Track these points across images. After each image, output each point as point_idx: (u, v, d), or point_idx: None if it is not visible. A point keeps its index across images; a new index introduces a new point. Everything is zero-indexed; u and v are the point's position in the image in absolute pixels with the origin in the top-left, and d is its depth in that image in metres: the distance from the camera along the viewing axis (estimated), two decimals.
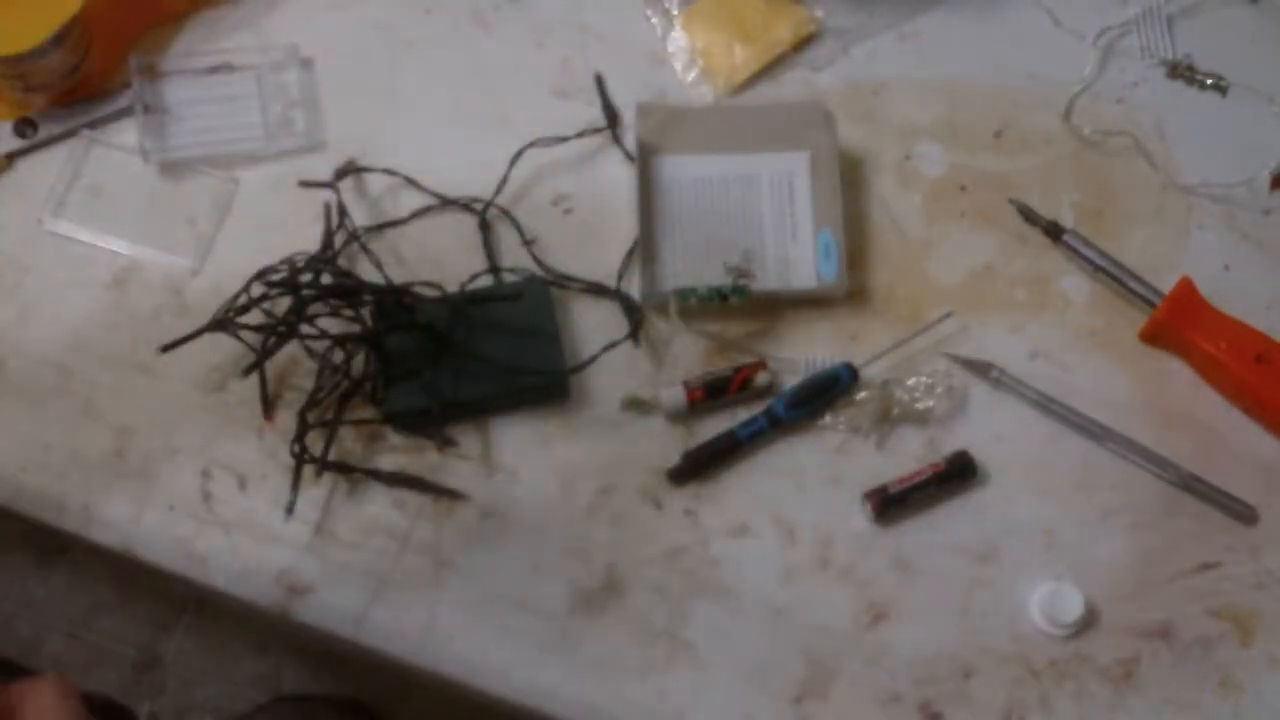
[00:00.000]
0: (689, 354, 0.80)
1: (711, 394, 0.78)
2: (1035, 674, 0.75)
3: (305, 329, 0.76)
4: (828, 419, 0.79)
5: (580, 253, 0.82)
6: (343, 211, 0.82)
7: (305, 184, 0.83)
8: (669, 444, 0.78)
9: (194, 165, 0.84)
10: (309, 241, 0.81)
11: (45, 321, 0.80)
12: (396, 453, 0.78)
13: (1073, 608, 0.74)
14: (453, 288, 0.81)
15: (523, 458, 0.78)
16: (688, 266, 0.81)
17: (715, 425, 0.79)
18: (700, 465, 0.77)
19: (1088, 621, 0.75)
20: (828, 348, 0.81)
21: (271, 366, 0.78)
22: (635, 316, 0.80)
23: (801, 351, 0.80)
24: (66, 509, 0.76)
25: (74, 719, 0.58)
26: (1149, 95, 0.88)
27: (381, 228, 0.83)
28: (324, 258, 0.80)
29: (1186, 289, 0.80)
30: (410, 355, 0.77)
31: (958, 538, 0.77)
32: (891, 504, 0.76)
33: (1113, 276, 0.82)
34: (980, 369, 0.80)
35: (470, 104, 0.86)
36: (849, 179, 0.84)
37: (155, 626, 1.36)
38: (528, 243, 0.82)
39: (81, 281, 0.81)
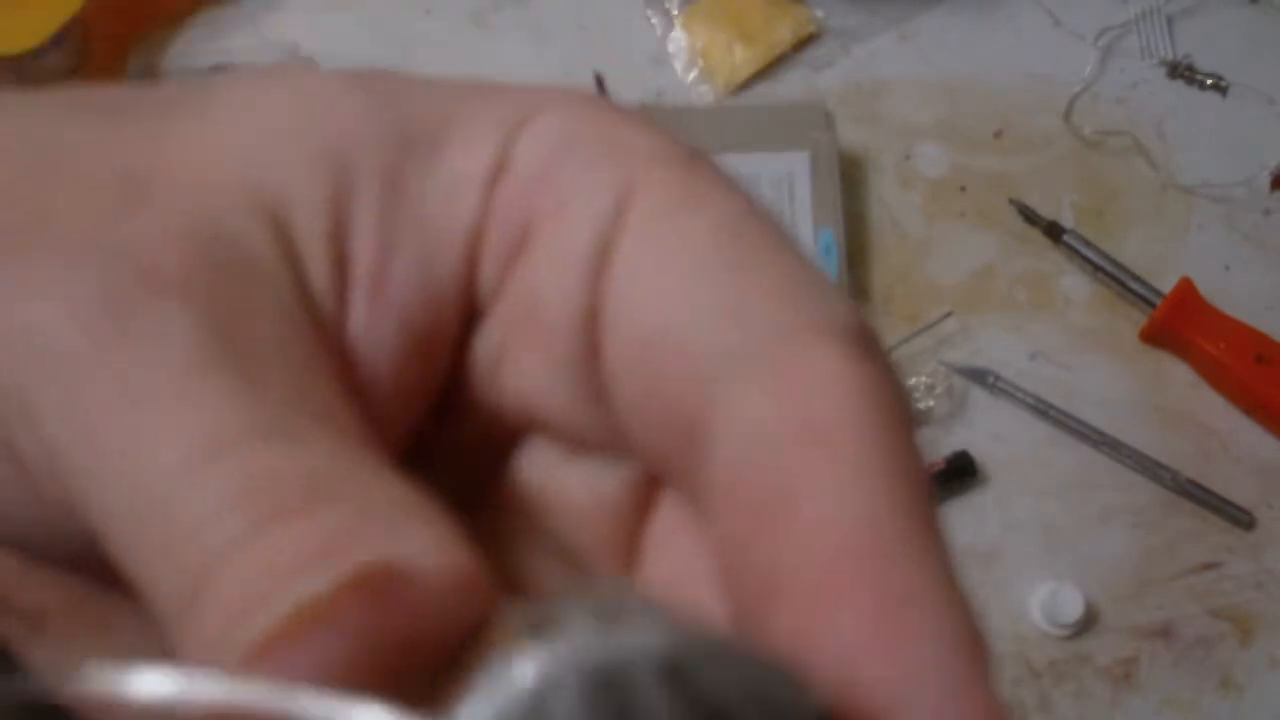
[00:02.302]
0: None
1: None
2: (1035, 674, 0.75)
3: None
4: None
5: None
6: None
7: None
8: None
9: None
10: None
11: None
12: None
13: (1073, 608, 0.74)
14: None
15: None
16: None
17: None
18: None
19: (1088, 621, 0.75)
20: None
21: None
22: None
23: None
24: None
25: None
26: (1149, 95, 0.88)
27: None
28: None
29: (1186, 289, 0.80)
30: None
31: (958, 538, 0.76)
32: None
33: (1113, 276, 0.82)
34: (977, 376, 0.80)
35: None
36: (849, 179, 0.84)
37: None
38: None
39: None
